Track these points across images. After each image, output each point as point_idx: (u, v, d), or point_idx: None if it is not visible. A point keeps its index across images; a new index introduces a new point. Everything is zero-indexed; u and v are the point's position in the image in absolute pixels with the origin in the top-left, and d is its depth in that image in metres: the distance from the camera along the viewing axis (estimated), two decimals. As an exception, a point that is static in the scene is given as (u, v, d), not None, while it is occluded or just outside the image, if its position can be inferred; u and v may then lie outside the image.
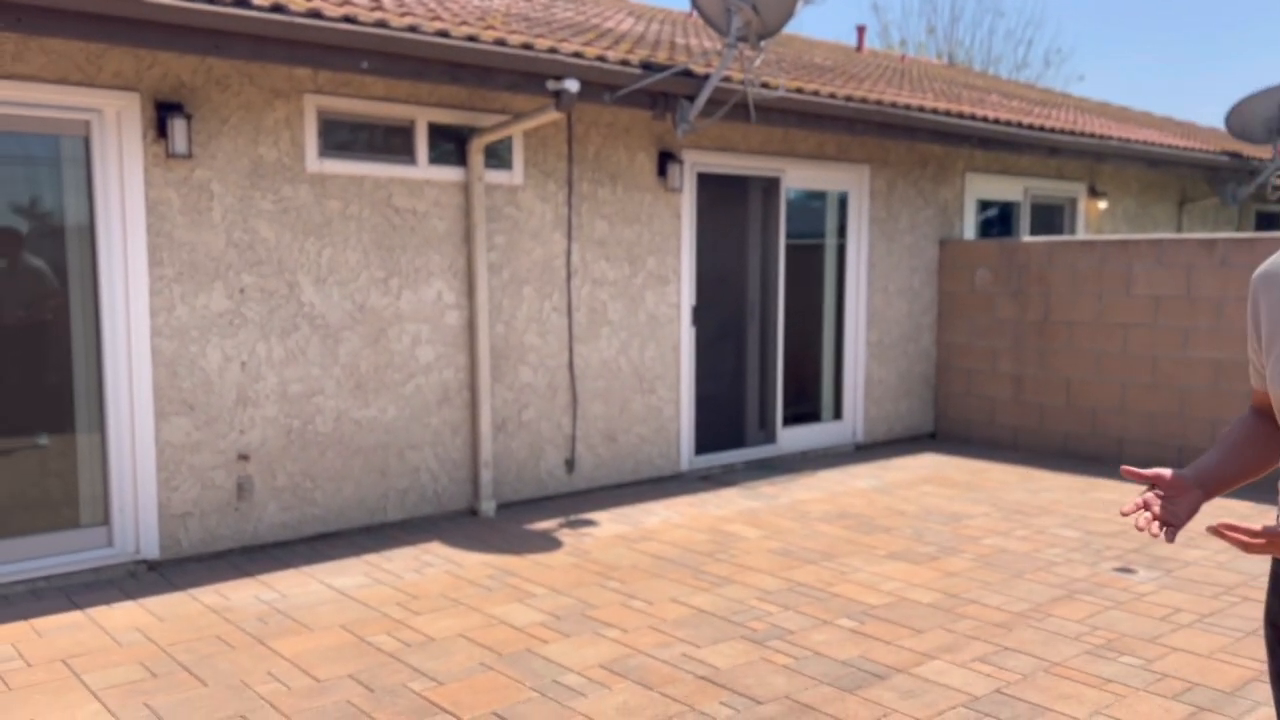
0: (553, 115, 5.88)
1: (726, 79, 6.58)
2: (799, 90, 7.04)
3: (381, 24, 5.17)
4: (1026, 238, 8.76)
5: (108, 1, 4.36)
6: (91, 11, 4.38)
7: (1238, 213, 13.04)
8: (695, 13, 9.22)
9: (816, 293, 8.56)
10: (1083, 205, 10.77)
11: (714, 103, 6.60)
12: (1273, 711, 3.33)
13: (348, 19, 5.06)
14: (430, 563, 5.48)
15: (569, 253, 6.86)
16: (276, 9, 4.82)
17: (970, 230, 9.53)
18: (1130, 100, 42.12)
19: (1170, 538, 1.78)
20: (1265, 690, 3.84)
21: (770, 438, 8.23)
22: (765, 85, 6.83)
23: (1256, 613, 4.70)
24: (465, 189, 6.35)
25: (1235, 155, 11.11)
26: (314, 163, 5.75)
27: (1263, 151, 11.78)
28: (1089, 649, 4.27)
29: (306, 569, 5.36)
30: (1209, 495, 1.89)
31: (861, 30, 13.13)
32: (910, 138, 7.97)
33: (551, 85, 5.79)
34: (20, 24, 4.28)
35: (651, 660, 4.15)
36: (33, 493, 5.10)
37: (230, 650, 4.25)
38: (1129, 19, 43.03)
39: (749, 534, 6.05)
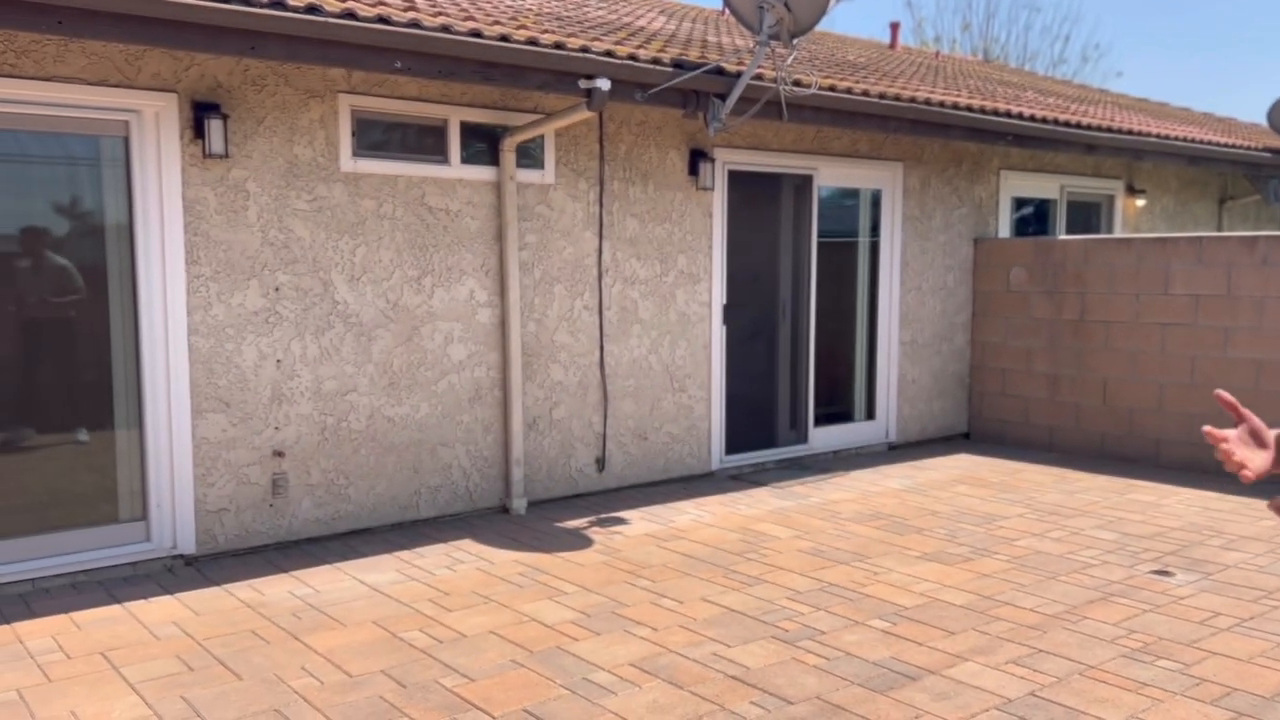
0: (584, 114, 5.89)
1: (758, 77, 6.56)
2: (832, 88, 7.00)
3: (415, 24, 5.20)
4: (1062, 236, 8.66)
5: (147, 3, 4.42)
6: (131, 13, 4.44)
7: (1280, 210, 12.81)
8: (727, 10, 9.18)
9: (849, 291, 8.51)
10: (1120, 203, 10.63)
11: (746, 101, 6.57)
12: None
13: (381, 19, 5.09)
14: (462, 560, 5.51)
15: (600, 251, 6.87)
16: (311, 10, 4.86)
17: (1005, 228, 9.44)
18: (1169, 96, 41.51)
19: (1247, 480, 1.78)
20: (1307, 696, 3.78)
21: (802, 437, 8.20)
22: (798, 83, 6.80)
23: (1298, 617, 4.62)
24: (497, 188, 6.38)
25: (1277, 152, 10.91)
26: (348, 162, 5.80)
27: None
28: (1125, 652, 4.21)
29: (340, 565, 5.41)
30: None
31: (895, 27, 13.03)
32: (945, 135, 7.90)
33: (583, 84, 5.80)
34: (61, 26, 4.35)
35: (682, 659, 4.15)
36: (73, 488, 5.18)
37: (265, 645, 4.30)
38: (1168, 13, 42.42)
39: (780, 534, 6.03)
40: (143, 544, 5.34)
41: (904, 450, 8.69)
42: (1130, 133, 9.18)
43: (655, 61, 6.12)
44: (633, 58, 6.01)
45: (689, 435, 7.44)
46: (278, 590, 5.00)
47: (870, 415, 8.67)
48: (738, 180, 7.59)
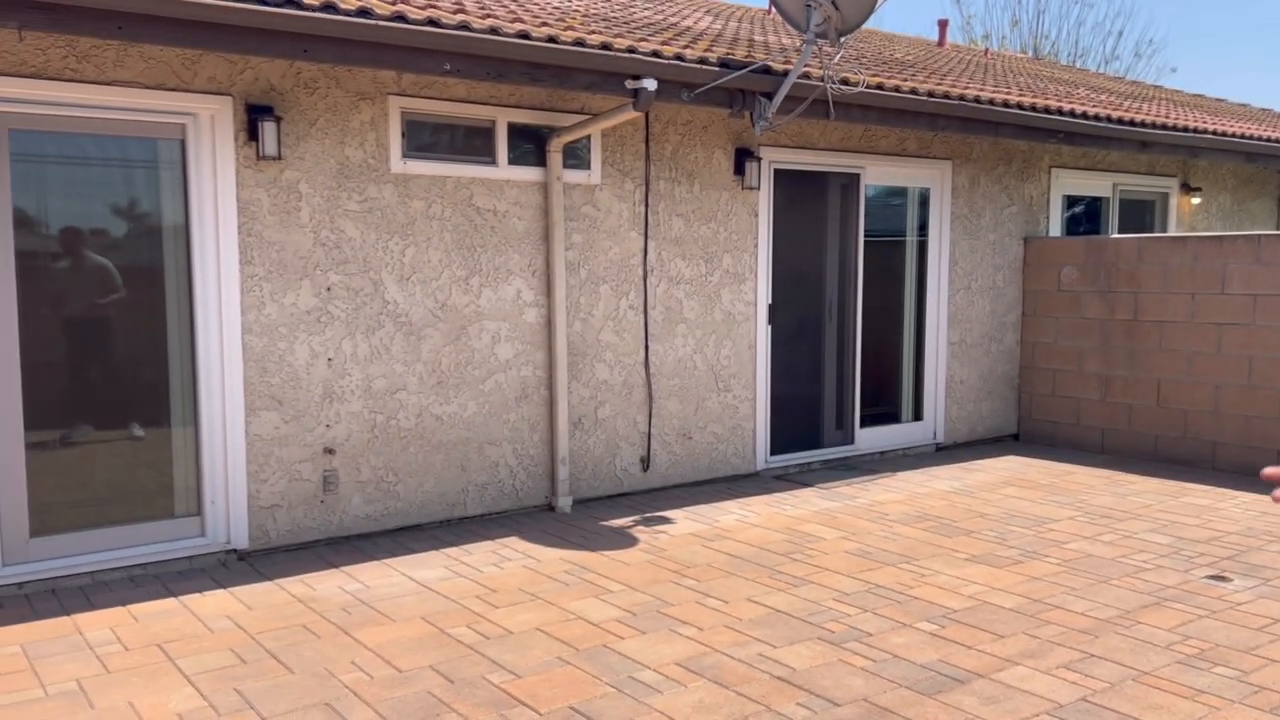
0: (631, 114, 5.90)
1: (805, 75, 6.53)
2: (879, 86, 6.95)
3: (464, 26, 5.25)
4: (1115, 235, 8.52)
5: (205, 8, 4.51)
6: (189, 19, 4.53)
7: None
8: (774, 10, 9.15)
9: (896, 291, 8.44)
10: (1175, 201, 10.42)
11: (792, 99, 6.55)
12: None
13: (431, 21, 5.15)
14: (508, 557, 5.55)
15: (645, 251, 6.88)
16: (362, 13, 4.93)
17: (1056, 227, 9.30)
18: (1226, 93, 40.63)
19: None
20: (1370, 706, 3.68)
21: (848, 438, 8.15)
22: (845, 81, 6.76)
23: (1361, 625, 4.50)
24: (544, 188, 6.41)
25: (1339, 148, 10.63)
26: (398, 163, 5.87)
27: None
28: (1180, 659, 4.14)
29: (388, 561, 5.47)
30: None
31: (943, 24, 12.90)
32: (994, 133, 7.81)
33: (630, 84, 5.82)
34: (121, 31, 4.45)
35: (727, 659, 4.15)
36: (130, 484, 5.30)
37: (316, 639, 4.36)
38: (1224, 7, 41.48)
39: (826, 534, 6.00)
40: (198, 539, 5.45)
41: (952, 451, 8.60)
42: (1185, 129, 9.00)
43: (701, 61, 6.12)
44: (679, 58, 6.01)
45: (733, 435, 7.43)
46: (328, 585, 5.07)
47: (917, 416, 8.60)
48: (784, 179, 7.56)
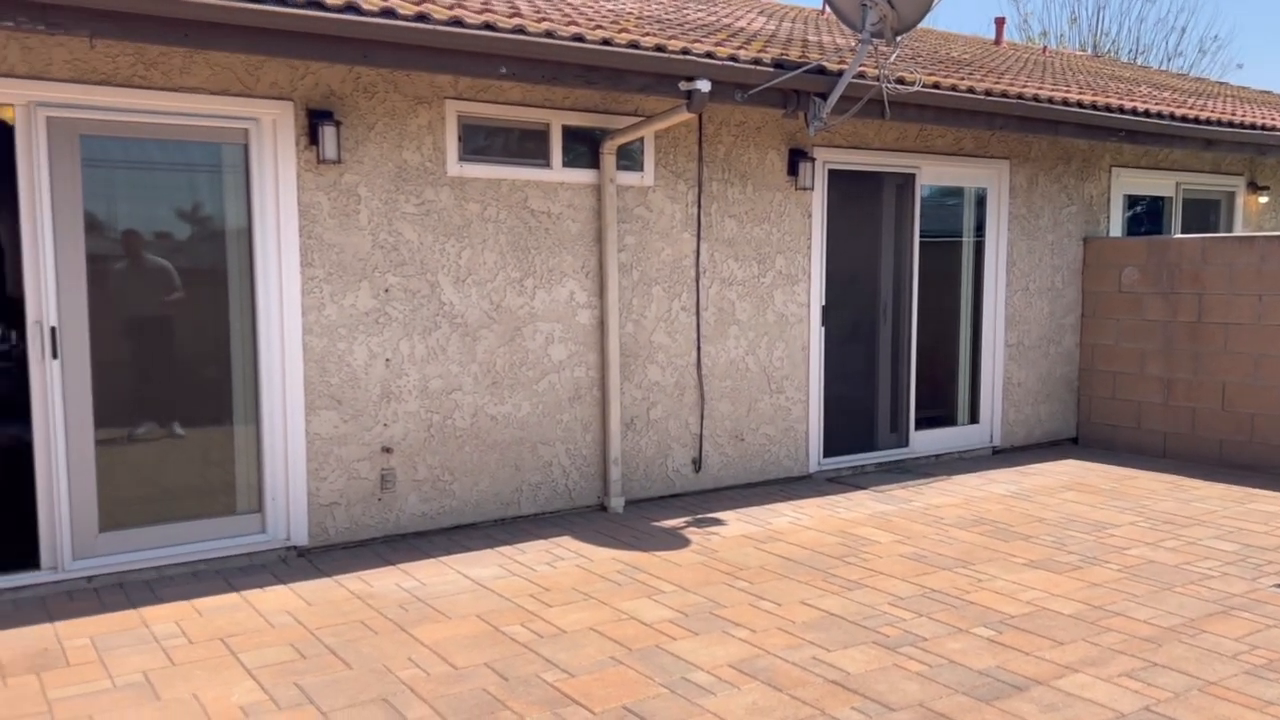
0: (684, 116, 5.91)
1: (860, 75, 6.48)
2: (935, 85, 6.88)
3: (519, 30, 5.30)
4: (1178, 235, 8.34)
5: (268, 15, 4.61)
6: (253, 25, 4.63)
7: None
8: (828, 9, 9.10)
9: (952, 292, 8.35)
10: (1241, 200, 10.17)
11: (847, 100, 6.50)
12: None
13: (488, 26, 5.20)
14: (561, 556, 5.59)
15: (698, 252, 6.88)
16: (420, 18, 4.99)
17: (1117, 228, 9.13)
18: (1294, 88, 39.48)
19: None
20: None
21: (902, 440, 8.07)
22: (900, 81, 6.70)
23: None
24: (597, 190, 6.44)
25: None
26: (454, 166, 5.93)
27: None
28: (1248, 669, 4.04)
29: (444, 559, 5.54)
30: None
31: (1000, 22, 12.72)
32: (1053, 132, 7.68)
33: (683, 86, 5.82)
34: (187, 39, 4.56)
35: (781, 662, 4.13)
36: (194, 481, 5.42)
37: (373, 635, 4.43)
38: (1293, 1, 40.32)
39: (880, 538, 5.96)
40: (259, 535, 5.56)
41: (1008, 455, 8.48)
42: (1252, 126, 8.78)
43: (756, 62, 6.11)
44: (733, 59, 6.00)
45: (786, 437, 7.40)
46: (385, 582, 5.15)
47: (974, 419, 8.49)
48: (838, 179, 7.52)
